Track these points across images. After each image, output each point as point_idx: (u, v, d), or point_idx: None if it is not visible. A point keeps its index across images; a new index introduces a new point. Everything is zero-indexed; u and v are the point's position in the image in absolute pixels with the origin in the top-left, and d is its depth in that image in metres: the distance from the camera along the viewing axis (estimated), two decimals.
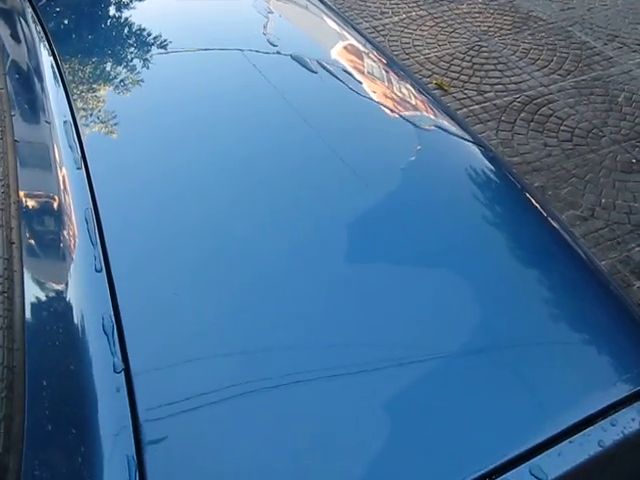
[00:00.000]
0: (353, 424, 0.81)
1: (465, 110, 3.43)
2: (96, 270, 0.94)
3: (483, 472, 0.77)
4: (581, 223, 2.85)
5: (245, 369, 0.85)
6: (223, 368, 0.85)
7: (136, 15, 1.68)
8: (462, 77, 3.68)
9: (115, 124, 1.25)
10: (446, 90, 3.56)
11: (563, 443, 0.82)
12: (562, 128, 3.35)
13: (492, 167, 1.27)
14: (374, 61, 1.58)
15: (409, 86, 1.50)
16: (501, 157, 1.36)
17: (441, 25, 4.11)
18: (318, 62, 1.43)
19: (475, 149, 1.32)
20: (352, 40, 1.66)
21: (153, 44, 1.50)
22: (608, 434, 0.84)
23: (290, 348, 0.88)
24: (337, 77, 1.41)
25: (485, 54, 3.87)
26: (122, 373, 0.83)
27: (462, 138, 1.34)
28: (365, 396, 0.83)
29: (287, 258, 1.00)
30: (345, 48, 1.64)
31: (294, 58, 1.44)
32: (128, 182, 1.12)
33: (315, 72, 1.40)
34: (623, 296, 1.06)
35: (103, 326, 0.88)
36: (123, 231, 1.03)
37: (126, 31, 1.62)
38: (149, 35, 1.54)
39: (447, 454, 0.79)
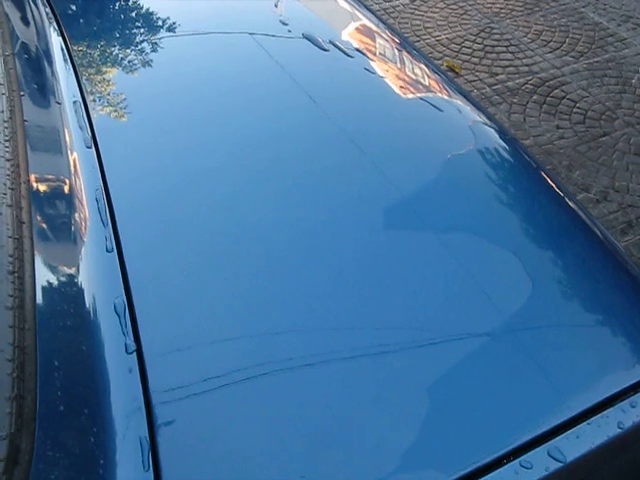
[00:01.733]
0: (368, 407, 0.80)
1: (476, 92, 3.40)
2: (107, 250, 0.93)
3: (502, 453, 0.77)
4: (594, 206, 2.82)
5: (257, 351, 0.84)
6: (235, 350, 0.85)
7: None
8: (473, 59, 3.64)
9: (125, 105, 1.24)
10: (457, 72, 3.52)
11: (581, 425, 0.80)
12: (575, 110, 3.31)
13: (507, 147, 1.26)
14: (386, 41, 1.56)
15: (422, 66, 1.48)
16: (516, 138, 1.34)
17: (452, 7, 4.06)
18: (330, 41, 1.41)
19: (490, 130, 1.30)
20: (363, 20, 1.64)
21: (162, 26, 1.49)
22: (628, 416, 0.82)
23: (303, 331, 0.87)
24: (349, 56, 1.39)
25: (497, 36, 3.82)
26: (134, 354, 0.83)
27: (478, 119, 1.32)
28: (381, 379, 0.82)
29: (298, 240, 0.98)
30: (356, 28, 1.62)
31: (305, 37, 1.42)
32: (139, 162, 1.11)
33: (326, 51, 1.38)
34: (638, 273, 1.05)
35: (115, 306, 0.87)
36: (134, 211, 1.02)
37: (135, 12, 1.60)
38: (158, 17, 1.53)
39: (467, 436, 0.78)
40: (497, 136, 1.29)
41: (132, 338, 0.84)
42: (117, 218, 0.99)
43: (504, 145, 1.26)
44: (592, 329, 0.92)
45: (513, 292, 0.94)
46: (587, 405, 0.82)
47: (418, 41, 3.75)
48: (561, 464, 0.77)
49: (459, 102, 1.37)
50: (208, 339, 0.86)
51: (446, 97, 1.39)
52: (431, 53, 3.66)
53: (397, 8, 4.03)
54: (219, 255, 0.96)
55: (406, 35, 3.78)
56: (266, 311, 0.89)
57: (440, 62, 3.59)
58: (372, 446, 0.76)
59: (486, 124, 1.31)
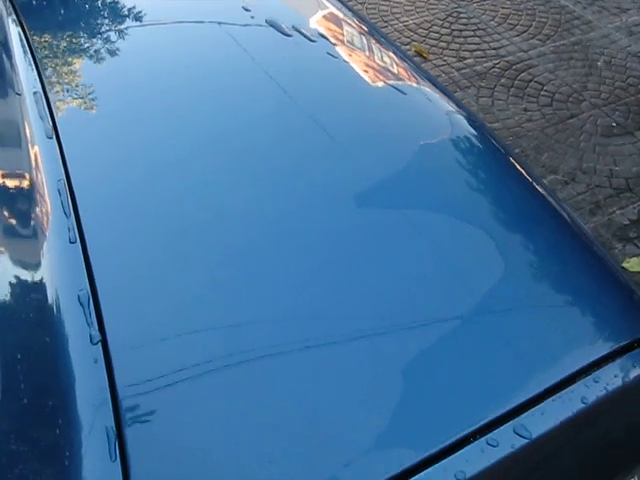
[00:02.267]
0: (338, 390, 0.80)
1: (444, 77, 3.41)
2: (70, 241, 0.92)
3: (468, 432, 0.77)
4: (562, 187, 2.85)
5: (224, 340, 0.84)
6: (201, 338, 0.84)
7: None
8: (441, 44, 3.65)
9: (87, 95, 1.22)
10: (425, 57, 3.53)
11: (547, 401, 0.82)
12: (542, 93, 3.34)
13: (474, 132, 1.26)
14: (352, 27, 1.56)
15: (390, 53, 1.48)
16: (484, 123, 1.35)
17: None
18: (294, 27, 1.41)
19: (457, 115, 1.30)
20: (328, 6, 1.63)
21: (123, 15, 1.47)
22: (591, 390, 0.84)
23: (274, 320, 0.87)
24: (315, 42, 1.39)
25: (464, 20, 3.83)
26: (99, 344, 0.82)
27: (444, 104, 1.33)
28: (350, 362, 0.83)
29: (267, 229, 0.98)
30: (321, 14, 1.62)
31: (269, 23, 1.41)
32: (102, 152, 1.10)
33: (290, 36, 1.37)
34: (606, 255, 1.06)
35: (79, 297, 0.86)
36: (97, 202, 1.01)
37: (96, 1, 1.58)
38: (119, 5, 1.51)
39: (431, 415, 0.79)
40: (464, 121, 1.29)
41: (97, 329, 0.83)
42: (80, 209, 0.98)
43: (471, 130, 1.27)
44: (556, 308, 0.93)
45: (478, 274, 0.94)
46: (552, 382, 0.83)
47: (386, 27, 3.75)
48: (527, 440, 0.78)
49: (426, 88, 1.37)
50: (174, 329, 0.86)
51: (413, 83, 1.39)
52: (399, 38, 3.66)
53: None
54: (185, 245, 0.95)
55: (374, 21, 3.78)
56: (234, 301, 0.89)
57: (408, 47, 3.59)
58: (342, 428, 0.77)
59: (453, 109, 1.31)
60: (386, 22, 3.79)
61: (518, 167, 1.19)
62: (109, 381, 0.79)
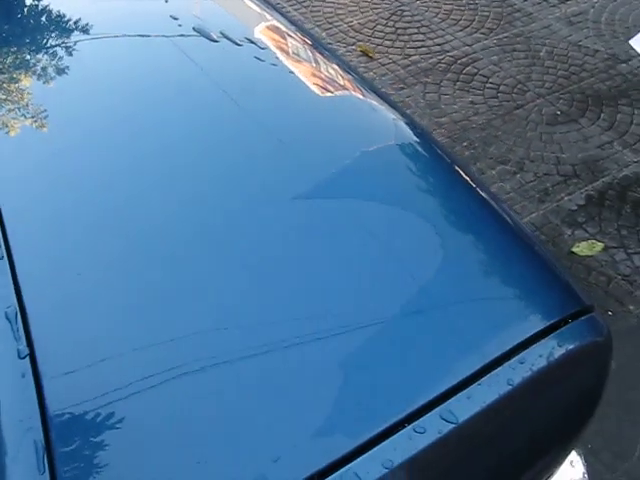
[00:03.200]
0: (266, 385, 0.81)
1: (391, 75, 3.44)
2: None
3: (395, 421, 0.78)
4: (511, 177, 2.89)
5: (154, 351, 0.84)
6: (130, 350, 0.84)
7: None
8: (386, 42, 3.67)
9: (12, 104, 1.21)
10: (371, 56, 3.55)
11: (472, 386, 0.83)
12: (488, 86, 3.39)
13: (406, 129, 1.28)
14: (282, 30, 1.56)
15: (319, 54, 1.49)
16: (413, 119, 1.37)
17: None
18: (222, 34, 1.41)
19: (389, 114, 1.32)
20: (257, 10, 1.64)
21: (53, 26, 1.46)
22: (517, 372, 0.85)
23: (207, 331, 0.87)
24: (244, 48, 1.39)
25: (408, 18, 3.87)
26: (27, 358, 0.82)
27: (375, 104, 1.34)
28: (277, 354, 0.83)
29: (200, 237, 0.98)
30: (251, 19, 1.63)
31: (196, 30, 1.41)
32: (26, 163, 1.09)
33: (217, 42, 1.37)
34: (531, 239, 1.08)
35: (6, 313, 0.86)
36: (24, 215, 1.00)
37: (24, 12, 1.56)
38: (55, 19, 1.50)
39: (358, 406, 0.79)
40: (394, 119, 1.30)
41: (25, 343, 0.83)
42: (6, 224, 0.97)
43: (403, 127, 1.28)
44: (480, 292, 0.94)
45: (401, 265, 0.96)
46: (477, 366, 0.84)
47: (330, 28, 3.77)
48: (453, 425, 0.80)
49: (355, 88, 1.38)
50: (103, 342, 0.85)
51: (343, 84, 1.41)
52: (344, 39, 3.68)
53: None
54: (113, 256, 0.95)
55: (318, 23, 3.80)
56: (165, 311, 0.89)
57: (353, 47, 3.62)
58: (269, 421, 0.77)
59: (385, 109, 1.33)
60: (330, 23, 3.81)
61: (446, 159, 1.21)
62: (37, 394, 0.79)
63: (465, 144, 3.04)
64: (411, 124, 1.29)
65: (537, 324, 0.90)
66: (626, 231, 2.67)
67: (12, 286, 0.89)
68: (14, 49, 1.39)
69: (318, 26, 3.78)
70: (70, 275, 0.93)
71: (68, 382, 0.81)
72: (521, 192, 2.83)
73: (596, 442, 2.03)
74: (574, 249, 2.59)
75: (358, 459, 0.75)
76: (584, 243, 2.62)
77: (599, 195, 2.82)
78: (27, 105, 1.21)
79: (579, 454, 1.26)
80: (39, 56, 1.35)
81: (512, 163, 2.96)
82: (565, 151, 3.03)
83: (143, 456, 0.76)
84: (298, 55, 1.47)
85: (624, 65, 3.50)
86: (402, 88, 3.35)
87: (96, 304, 0.89)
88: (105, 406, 0.79)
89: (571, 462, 1.22)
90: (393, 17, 3.88)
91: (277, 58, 1.40)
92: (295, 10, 3.90)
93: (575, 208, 2.77)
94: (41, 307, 0.89)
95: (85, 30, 1.42)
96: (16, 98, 1.25)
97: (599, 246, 2.61)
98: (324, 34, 3.72)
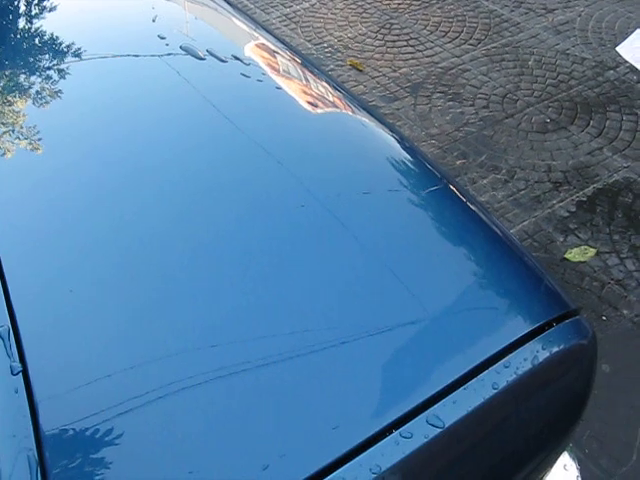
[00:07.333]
0: (254, 391, 0.82)
1: (381, 88, 3.46)
2: None
3: (382, 427, 0.79)
4: (503, 186, 2.91)
5: (145, 367, 0.85)
6: (122, 367, 0.85)
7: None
8: (376, 56, 3.71)
9: (3, 130, 1.23)
10: (361, 70, 3.58)
11: (458, 390, 0.84)
12: (478, 96, 3.41)
13: (395, 144, 1.29)
14: (268, 47, 1.58)
15: (305, 71, 1.51)
16: (402, 133, 1.38)
17: (351, 7, 4.13)
18: (208, 52, 1.43)
19: (376, 128, 1.33)
20: (245, 28, 1.66)
21: (44, 51, 1.48)
22: (502, 376, 0.86)
23: (194, 349, 0.87)
24: (225, 62, 1.41)
25: (397, 31, 3.91)
26: (20, 375, 0.83)
27: (361, 119, 1.35)
28: (263, 360, 0.84)
29: (189, 256, 0.99)
30: (238, 38, 1.65)
31: (184, 49, 1.43)
32: (18, 183, 1.10)
33: (203, 60, 1.39)
34: (512, 241, 1.10)
35: None
36: (15, 230, 1.02)
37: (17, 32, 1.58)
38: (42, 41, 1.51)
39: (344, 413, 0.80)
40: (385, 135, 1.32)
41: (18, 359, 0.84)
42: None
43: (392, 144, 1.30)
44: (465, 297, 0.95)
45: (385, 270, 0.97)
46: (463, 371, 0.85)
47: (321, 43, 3.80)
48: (440, 429, 0.81)
49: (350, 108, 1.40)
50: (95, 358, 0.86)
51: (337, 105, 1.42)
52: (334, 54, 3.71)
53: (298, 13, 4.07)
54: (105, 273, 0.96)
55: (308, 38, 3.83)
56: (156, 329, 0.89)
57: (343, 61, 3.65)
58: (256, 430, 0.78)
59: (375, 124, 1.34)
60: (320, 38, 3.84)
61: (433, 170, 1.23)
62: (30, 410, 0.80)
63: (456, 154, 3.07)
64: (399, 138, 1.31)
65: (522, 328, 0.91)
66: (618, 236, 2.69)
67: (4, 303, 0.90)
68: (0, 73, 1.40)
69: (308, 41, 3.81)
70: (62, 292, 0.94)
71: (61, 398, 0.82)
72: (513, 200, 2.85)
73: (593, 447, 2.03)
74: (567, 255, 2.61)
75: (345, 465, 0.76)
76: (577, 249, 2.64)
77: (590, 201, 2.84)
78: (16, 125, 1.23)
79: (573, 458, 1.26)
80: (27, 79, 1.37)
81: (503, 172, 2.99)
82: (556, 158, 3.05)
83: (137, 471, 0.76)
84: (287, 72, 1.49)
85: (612, 72, 3.54)
86: (393, 100, 3.38)
87: (88, 320, 0.90)
88: (98, 422, 0.79)
89: (564, 466, 1.22)
90: (382, 30, 3.91)
91: (265, 75, 1.42)
92: (285, 26, 3.94)
93: (567, 215, 2.79)
94: (33, 324, 0.89)
95: (74, 51, 1.43)
96: (3, 120, 1.26)
97: (591, 252, 2.63)
98: (314, 49, 3.75)
